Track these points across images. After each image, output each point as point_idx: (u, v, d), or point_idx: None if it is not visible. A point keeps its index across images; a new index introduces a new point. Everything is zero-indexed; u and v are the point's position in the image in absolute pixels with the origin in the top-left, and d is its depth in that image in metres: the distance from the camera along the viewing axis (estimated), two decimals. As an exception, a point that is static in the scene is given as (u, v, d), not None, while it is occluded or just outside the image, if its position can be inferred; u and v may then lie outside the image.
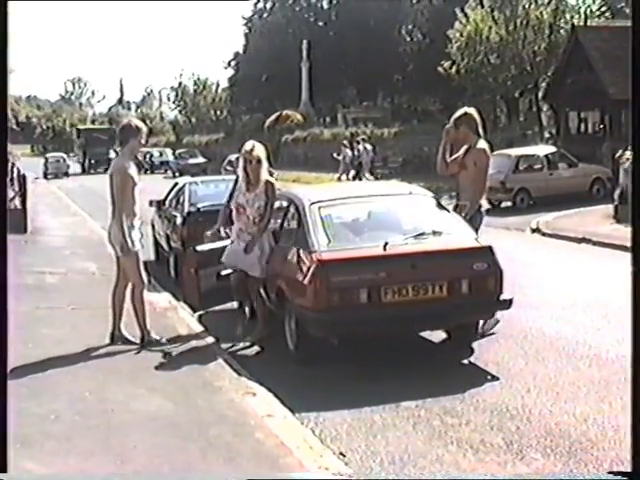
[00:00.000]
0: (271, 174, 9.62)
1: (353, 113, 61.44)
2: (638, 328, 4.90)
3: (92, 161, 64.35)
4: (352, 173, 36.80)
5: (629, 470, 5.03)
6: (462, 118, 9.49)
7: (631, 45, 5.28)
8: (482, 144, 9.42)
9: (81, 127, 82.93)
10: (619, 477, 5.24)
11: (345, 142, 39.29)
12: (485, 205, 24.99)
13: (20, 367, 7.80)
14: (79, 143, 72.43)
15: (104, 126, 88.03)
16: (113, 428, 6.39)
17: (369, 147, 37.73)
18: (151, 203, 15.55)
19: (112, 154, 50.73)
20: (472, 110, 9.65)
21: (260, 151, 9.34)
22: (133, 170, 8.85)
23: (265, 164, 9.37)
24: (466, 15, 39.89)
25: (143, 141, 9.02)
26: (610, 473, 5.50)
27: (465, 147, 9.45)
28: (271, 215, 9.33)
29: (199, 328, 9.87)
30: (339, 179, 35.99)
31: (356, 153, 36.96)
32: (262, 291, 9.38)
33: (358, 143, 37.88)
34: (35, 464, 5.60)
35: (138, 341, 8.90)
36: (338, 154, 37.49)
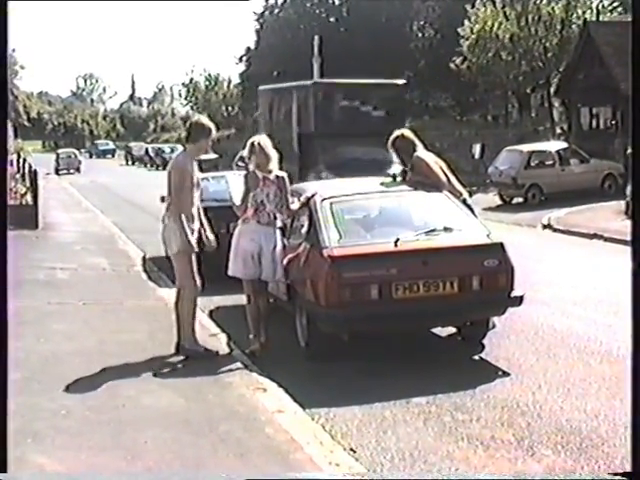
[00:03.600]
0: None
1: (364, 109, 61.30)
2: (638, 325, 4.88)
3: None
4: None
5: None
6: (396, 140, 9.52)
7: (631, 44, 5.25)
8: (417, 153, 9.38)
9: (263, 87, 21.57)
10: (618, 477, 5.22)
11: None
12: (497, 201, 25.32)
13: (31, 362, 7.83)
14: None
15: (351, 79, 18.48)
16: (124, 424, 6.39)
17: None
18: (163, 199, 15.51)
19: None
20: (406, 131, 9.76)
21: (268, 143, 8.80)
22: (195, 171, 8.39)
23: (275, 157, 8.85)
24: (477, 11, 39.78)
25: (211, 143, 8.50)
26: (609, 474, 5.48)
27: (409, 166, 9.42)
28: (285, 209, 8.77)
29: (210, 324, 9.86)
30: None
31: None
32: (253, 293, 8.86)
33: None
34: (47, 459, 5.61)
35: (206, 352, 8.38)
36: None
